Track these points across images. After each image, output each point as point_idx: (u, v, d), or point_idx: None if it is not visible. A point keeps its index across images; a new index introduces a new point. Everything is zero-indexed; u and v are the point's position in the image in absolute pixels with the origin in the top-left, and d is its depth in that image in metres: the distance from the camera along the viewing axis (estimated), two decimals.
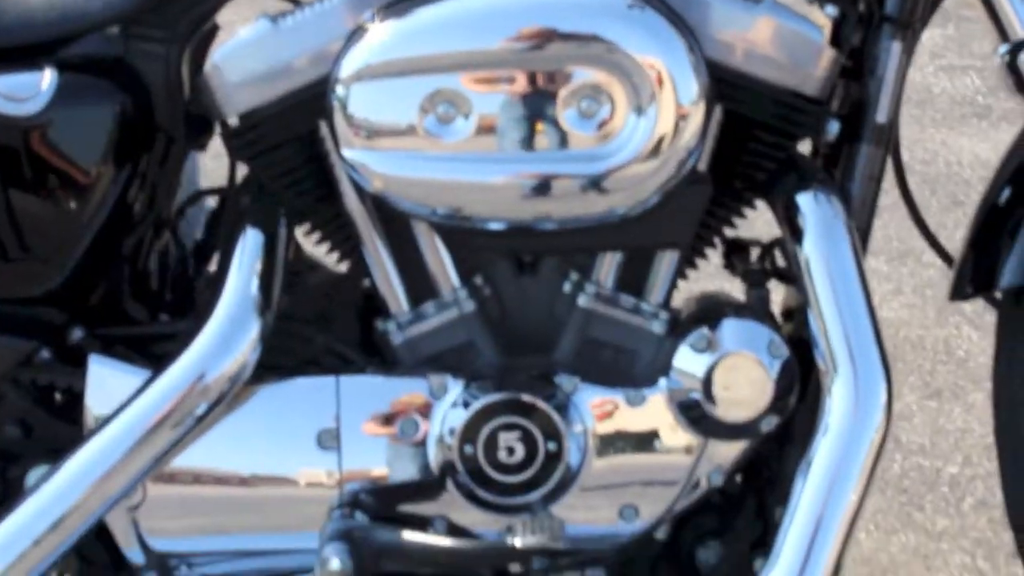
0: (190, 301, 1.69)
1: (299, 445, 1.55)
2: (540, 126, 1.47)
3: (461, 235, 1.56)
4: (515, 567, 1.56)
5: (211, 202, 1.73)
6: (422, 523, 1.54)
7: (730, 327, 1.56)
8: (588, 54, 1.45)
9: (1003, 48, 1.56)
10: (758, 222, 1.71)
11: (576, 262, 1.59)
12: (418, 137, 1.46)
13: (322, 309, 1.65)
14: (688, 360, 1.55)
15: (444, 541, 1.50)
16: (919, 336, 2.83)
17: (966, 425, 2.54)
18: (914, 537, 2.23)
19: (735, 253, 1.70)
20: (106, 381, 1.53)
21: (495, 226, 1.53)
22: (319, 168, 1.55)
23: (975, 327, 2.85)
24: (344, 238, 1.60)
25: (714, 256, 1.68)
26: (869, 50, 1.59)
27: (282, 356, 1.57)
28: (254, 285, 1.52)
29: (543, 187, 1.48)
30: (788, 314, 1.71)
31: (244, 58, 1.51)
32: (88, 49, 1.55)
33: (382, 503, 1.53)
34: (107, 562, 1.58)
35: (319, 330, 1.62)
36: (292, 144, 1.54)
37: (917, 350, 2.77)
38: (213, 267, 1.68)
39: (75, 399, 1.55)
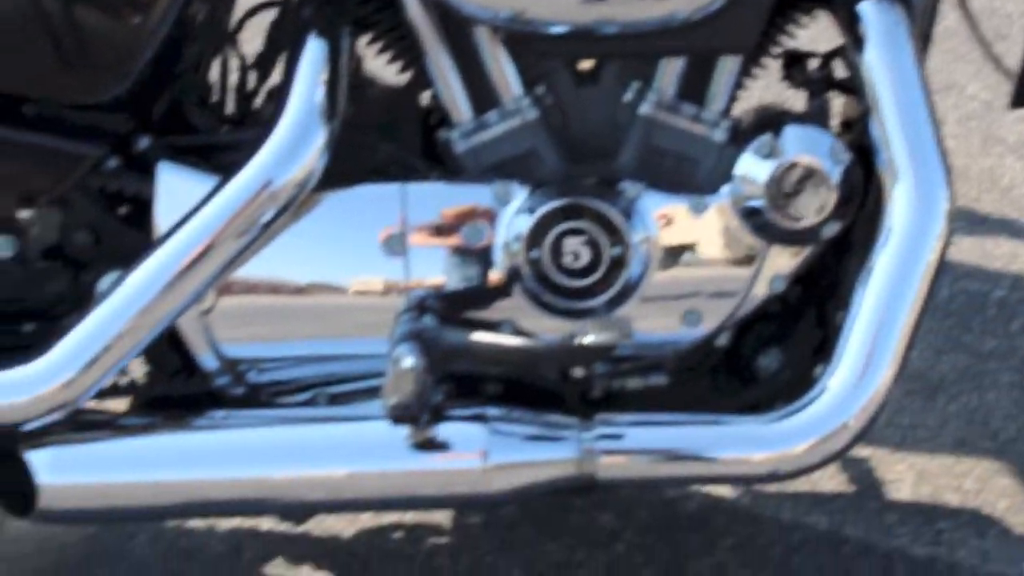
0: (251, 112, 1.68)
1: (366, 251, 1.55)
2: None
3: (524, 41, 1.54)
4: (578, 371, 1.58)
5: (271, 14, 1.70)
6: (488, 327, 1.54)
7: (792, 133, 1.54)
8: None
9: None
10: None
11: (637, 70, 1.57)
12: None
13: (385, 119, 1.64)
14: (751, 166, 1.54)
15: (512, 341, 1.51)
16: (964, 165, 2.81)
17: (1013, 250, 2.53)
18: (964, 357, 2.24)
19: (795, 64, 1.67)
20: (175, 188, 1.53)
21: (557, 30, 1.51)
22: None
23: (1018, 157, 2.83)
24: (406, 48, 1.59)
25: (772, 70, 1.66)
26: None
27: (347, 164, 1.55)
28: (319, 93, 1.51)
29: None
30: (846, 126, 1.70)
31: None
32: None
33: (449, 307, 1.54)
34: (178, 367, 1.59)
35: (383, 139, 1.61)
36: None
37: (962, 179, 2.75)
38: (273, 79, 1.67)
39: (143, 207, 1.55)
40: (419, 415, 1.44)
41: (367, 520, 1.87)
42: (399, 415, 1.43)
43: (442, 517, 1.89)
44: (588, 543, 1.85)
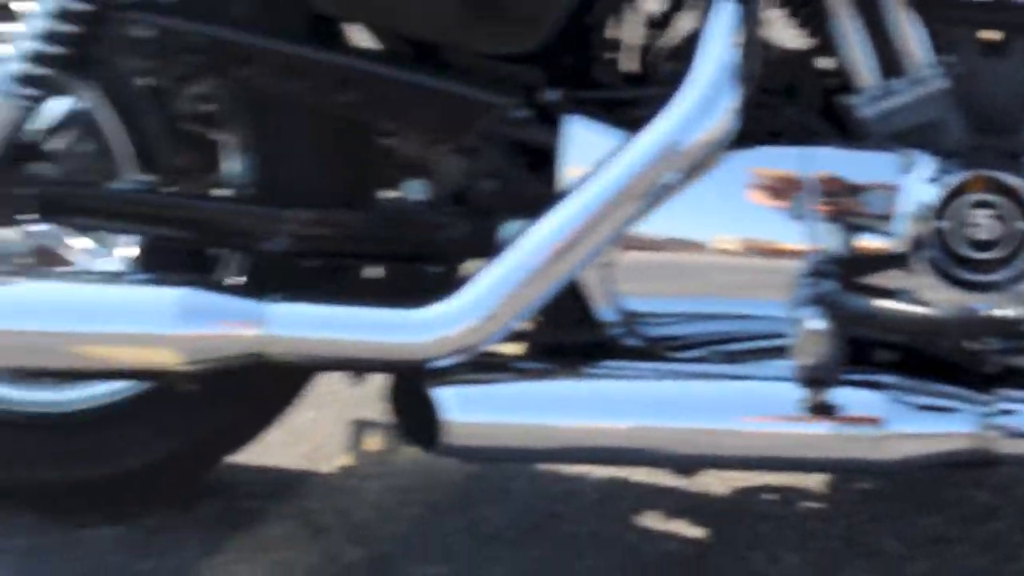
0: (650, 70, 1.69)
1: (766, 214, 1.55)
2: None
3: (934, 8, 1.52)
4: (976, 344, 1.54)
5: None
6: (888, 295, 1.52)
7: None
8: None
9: None
10: None
11: None
12: None
13: (785, 83, 1.63)
14: None
15: (915, 310, 1.49)
16: None
17: None
18: None
19: None
20: (580, 140, 1.56)
21: None
22: None
23: None
24: (812, 13, 1.58)
25: None
26: None
27: (747, 126, 1.55)
28: (733, 55, 1.50)
29: None
30: None
31: None
32: None
33: (850, 273, 1.52)
34: (576, 318, 1.62)
35: (785, 102, 1.60)
36: None
37: None
38: (671, 37, 1.68)
39: (547, 157, 1.58)
40: (828, 377, 1.43)
41: (738, 480, 1.87)
42: (810, 376, 1.42)
43: (813, 483, 1.87)
44: (964, 519, 1.81)
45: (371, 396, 1.82)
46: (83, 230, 1.74)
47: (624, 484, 1.88)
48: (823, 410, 1.48)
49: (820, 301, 1.46)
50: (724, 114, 1.50)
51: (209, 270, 1.72)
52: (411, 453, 1.91)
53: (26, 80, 1.58)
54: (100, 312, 1.59)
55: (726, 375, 1.58)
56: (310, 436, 2.00)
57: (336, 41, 1.65)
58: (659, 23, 1.69)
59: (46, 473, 1.80)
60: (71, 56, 1.58)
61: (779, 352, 1.54)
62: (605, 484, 1.88)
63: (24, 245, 1.76)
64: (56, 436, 1.79)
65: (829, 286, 1.49)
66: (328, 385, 1.82)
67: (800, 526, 1.81)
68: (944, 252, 1.50)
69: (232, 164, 1.68)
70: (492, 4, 1.56)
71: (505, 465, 1.90)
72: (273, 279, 1.64)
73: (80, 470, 1.80)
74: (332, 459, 1.98)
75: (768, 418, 1.53)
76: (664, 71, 1.63)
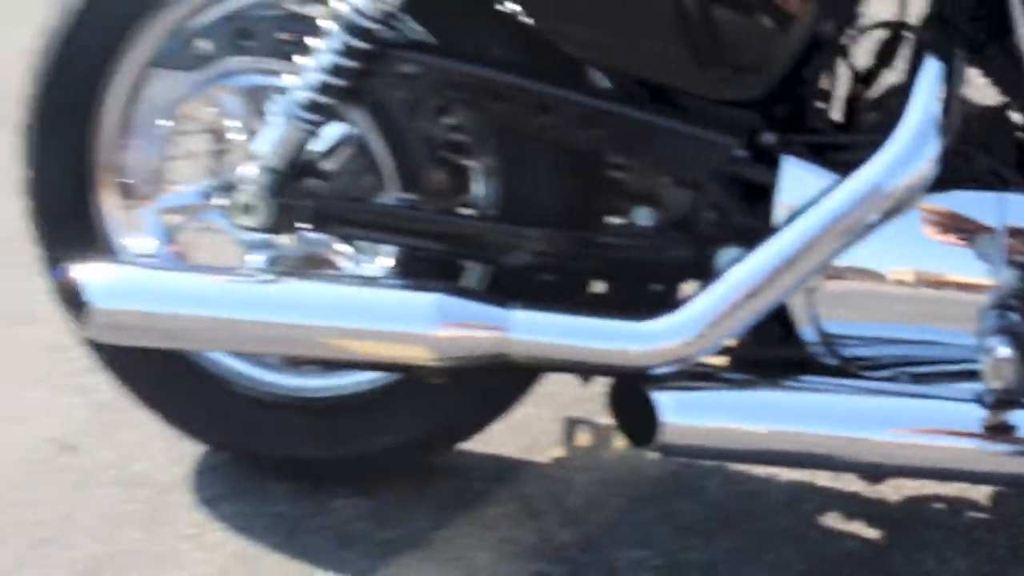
0: (857, 118, 1.86)
1: (959, 252, 1.71)
2: None
3: None
4: None
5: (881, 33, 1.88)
6: None
7: None
8: None
9: None
10: None
11: None
12: None
13: (983, 135, 1.78)
14: None
15: None
16: None
17: None
18: None
19: None
20: (796, 180, 1.73)
21: None
22: (999, 8, 1.68)
23: None
24: (1011, 71, 1.73)
25: None
26: None
27: (947, 173, 1.71)
28: (937, 108, 1.67)
29: None
30: None
31: None
32: None
33: None
34: (780, 337, 1.79)
35: (981, 152, 1.76)
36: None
37: None
38: (875, 90, 1.85)
39: (764, 193, 1.75)
40: (1014, 400, 1.60)
41: (911, 489, 2.02)
42: (1002, 399, 1.59)
43: (980, 495, 2.02)
44: None
45: (584, 397, 2.02)
46: (350, 239, 1.94)
47: (809, 487, 2.04)
48: (1004, 429, 1.65)
49: (1008, 332, 1.62)
50: (927, 162, 1.66)
51: (455, 278, 1.90)
52: (617, 449, 2.11)
53: (310, 107, 1.78)
54: (364, 311, 1.79)
55: (915, 394, 1.73)
56: (530, 430, 2.18)
57: (582, 82, 1.83)
58: (866, 77, 1.87)
59: (306, 451, 2.02)
60: (350, 88, 1.78)
61: (963, 375, 1.71)
62: (792, 486, 2.04)
63: (299, 250, 1.96)
64: (317, 419, 2.00)
65: (1015, 319, 1.65)
66: (547, 385, 2.01)
67: (967, 534, 1.95)
68: None
69: (480, 186, 1.88)
70: (722, 57, 1.74)
71: (701, 464, 2.07)
72: (513, 288, 1.84)
73: (335, 449, 2.01)
74: (548, 451, 2.16)
75: (952, 434, 1.69)
76: (870, 120, 1.81)
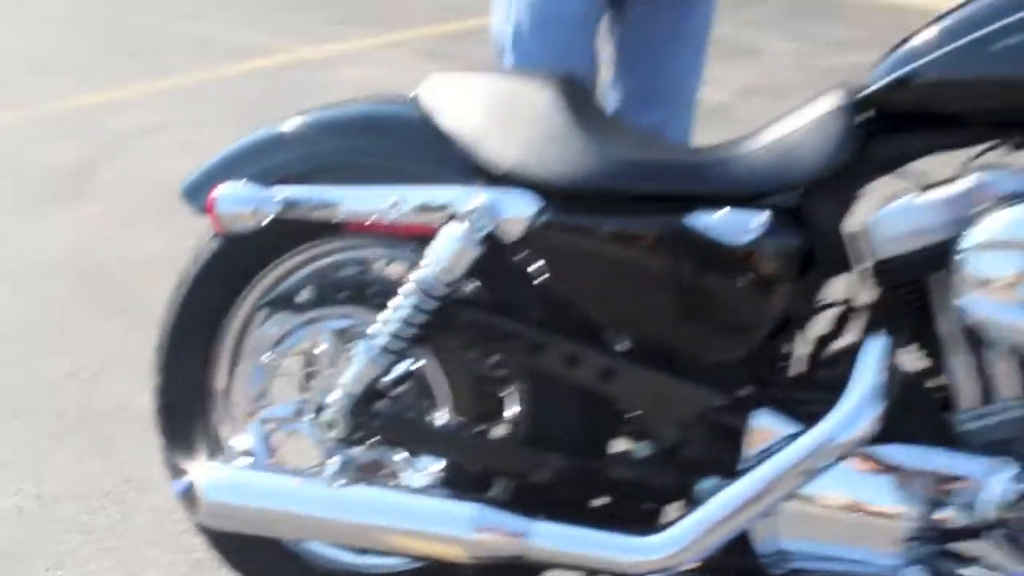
0: (816, 377, 2.23)
1: (884, 487, 2.11)
2: None
3: None
4: None
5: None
6: (973, 561, 2.07)
7: None
8: None
9: None
10: None
11: None
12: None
13: (904, 396, 2.14)
14: None
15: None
16: None
17: None
18: None
19: None
20: (765, 427, 2.14)
21: None
22: (925, 305, 2.09)
23: None
24: (931, 347, 2.12)
25: None
26: None
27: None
28: (879, 377, 2.07)
29: None
30: None
31: (891, 223, 2.07)
32: (785, 200, 2.11)
33: (948, 541, 2.08)
34: (740, 549, 2.17)
35: (902, 411, 2.12)
36: (910, 291, 2.10)
37: None
38: (830, 355, 2.24)
39: (734, 435, 2.16)
40: None
41: None
42: None
43: None
44: None
45: None
46: (408, 450, 2.35)
47: None
48: None
49: (923, 560, 2.02)
50: (870, 421, 2.06)
51: (488, 487, 2.31)
52: None
53: (386, 350, 2.21)
54: (414, 515, 2.21)
55: None
56: None
57: (600, 339, 2.23)
58: (824, 344, 2.24)
59: None
60: (418, 336, 2.21)
61: None
62: None
63: (368, 455, 2.34)
64: None
65: (929, 550, 2.04)
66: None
67: None
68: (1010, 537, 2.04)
69: (514, 414, 2.30)
70: (711, 327, 2.15)
71: None
72: (535, 497, 2.23)
73: None
74: None
75: None
76: (827, 378, 2.18)
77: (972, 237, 1.98)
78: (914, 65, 2.02)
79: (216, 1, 7.82)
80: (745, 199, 2.10)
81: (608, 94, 3.01)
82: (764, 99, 3.42)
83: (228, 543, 2.45)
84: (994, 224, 1.97)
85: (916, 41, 2.05)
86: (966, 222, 2.01)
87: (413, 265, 2.20)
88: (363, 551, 2.42)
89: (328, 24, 7.30)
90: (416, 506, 2.23)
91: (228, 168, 2.30)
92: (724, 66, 3.08)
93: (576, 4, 2.83)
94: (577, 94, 2.25)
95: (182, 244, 2.42)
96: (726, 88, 3.73)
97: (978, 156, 2.06)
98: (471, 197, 2.12)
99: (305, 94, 5.89)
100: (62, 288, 4.12)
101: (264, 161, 2.30)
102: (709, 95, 3.26)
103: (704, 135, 2.81)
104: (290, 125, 2.34)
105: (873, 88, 2.06)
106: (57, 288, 4.13)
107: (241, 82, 6.22)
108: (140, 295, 3.82)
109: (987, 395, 2.10)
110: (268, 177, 2.24)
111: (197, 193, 2.30)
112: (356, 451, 2.31)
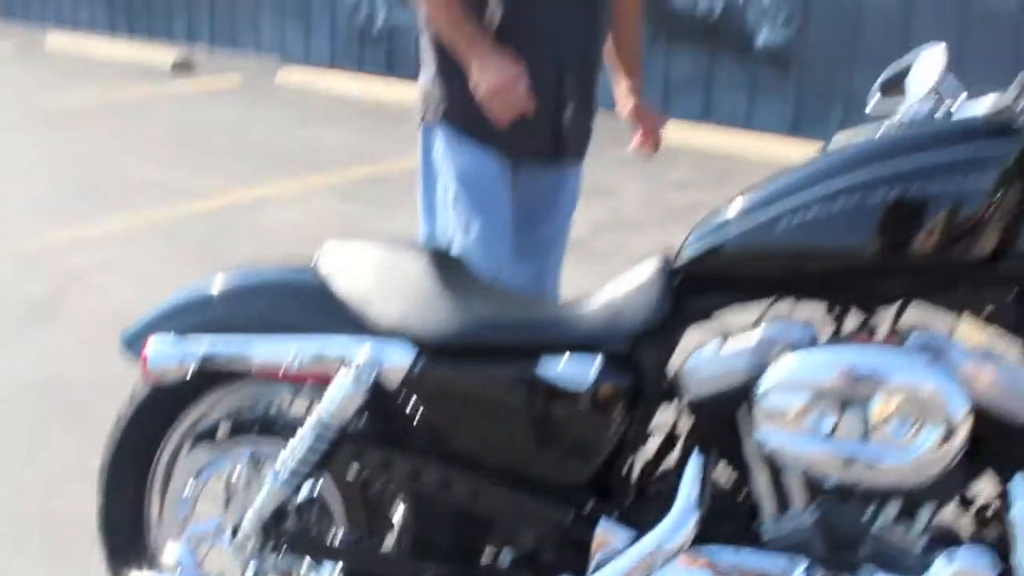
0: (649, 491, 2.39)
1: None
2: None
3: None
4: None
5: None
6: None
7: None
8: None
9: None
10: None
11: None
12: (807, 427, 2.15)
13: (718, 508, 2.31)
14: None
15: None
16: None
17: None
18: None
19: None
20: (609, 533, 2.28)
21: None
22: (734, 432, 2.27)
23: None
24: (740, 466, 2.29)
25: None
26: None
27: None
28: (697, 492, 2.26)
29: None
30: None
31: (703, 366, 2.26)
32: (618, 348, 2.27)
33: None
34: None
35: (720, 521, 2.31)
36: (721, 422, 2.27)
37: None
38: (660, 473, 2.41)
39: (583, 542, 2.30)
40: None
41: None
42: None
43: None
44: None
45: None
46: (312, 560, 2.46)
47: None
48: None
49: None
50: (691, 528, 2.24)
51: None
52: None
53: (292, 475, 2.36)
54: None
55: None
56: None
57: (472, 467, 2.36)
58: (655, 465, 2.41)
59: None
60: (318, 462, 2.36)
61: None
62: None
63: (275, 567, 2.45)
64: None
65: None
66: None
67: None
68: None
69: (399, 527, 2.44)
70: (558, 452, 2.31)
71: None
72: None
73: None
74: None
75: None
76: (658, 492, 2.36)
77: (766, 379, 2.18)
78: (715, 239, 2.27)
79: (170, 149, 7.97)
80: (585, 347, 2.30)
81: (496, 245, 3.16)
82: (615, 233, 3.55)
83: None
84: (781, 368, 2.16)
85: (718, 218, 2.29)
86: (761, 366, 2.22)
87: (313, 404, 2.35)
88: None
89: (262, 168, 7.50)
90: None
91: (160, 322, 2.48)
92: (581, 203, 3.21)
93: (493, 167, 2.97)
94: (447, 262, 2.43)
95: (133, 366, 2.55)
96: (583, 224, 3.88)
97: (768, 309, 2.22)
98: (359, 349, 2.29)
99: (239, 233, 6.20)
100: (29, 405, 4.22)
101: (190, 317, 2.50)
102: None
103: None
104: (214, 285, 2.55)
105: (684, 258, 2.23)
106: (25, 404, 4.22)
107: (187, 222, 6.38)
108: (98, 411, 3.86)
109: (783, 506, 2.29)
110: (193, 331, 2.36)
111: (134, 343, 2.51)
112: (269, 562, 2.44)
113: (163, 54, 11.25)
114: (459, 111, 2.94)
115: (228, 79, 10.48)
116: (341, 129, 8.66)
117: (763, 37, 8.74)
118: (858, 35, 8.31)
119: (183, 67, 10.99)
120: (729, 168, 7.40)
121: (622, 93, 3.24)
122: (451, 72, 2.91)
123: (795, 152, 7.97)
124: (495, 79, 2.73)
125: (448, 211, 2.98)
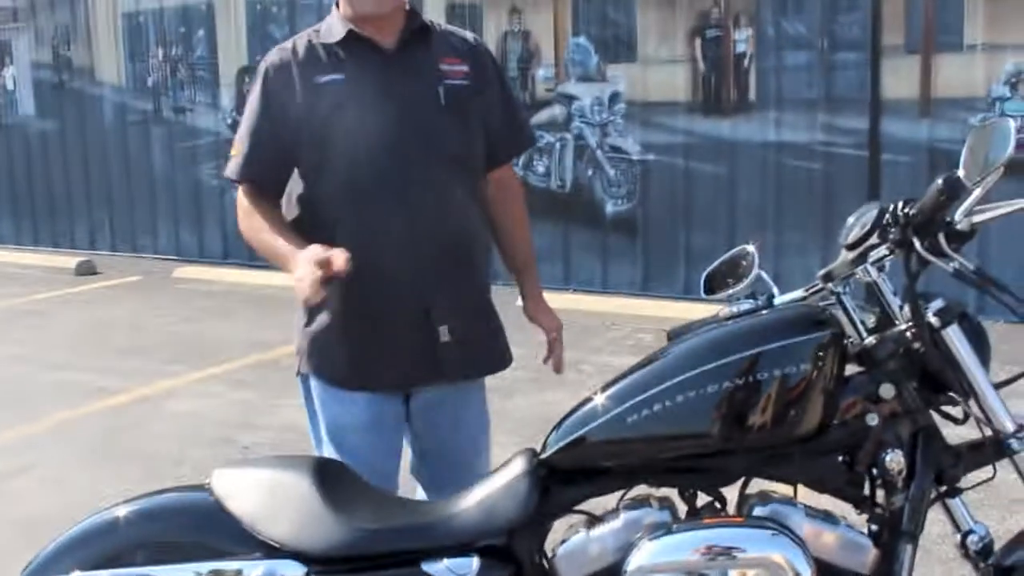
0: None
1: None
2: None
3: None
4: None
5: None
6: None
7: None
8: None
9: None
10: None
11: None
12: None
13: None
14: None
15: None
16: None
17: None
18: None
19: None
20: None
21: None
22: None
23: None
24: None
25: None
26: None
27: None
28: None
29: None
30: None
31: (576, 552, 2.24)
32: (495, 542, 2.24)
33: None
34: None
35: None
36: None
37: None
38: None
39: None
40: None
41: None
42: None
43: None
44: None
45: None
46: None
47: None
48: None
49: None
50: None
51: None
52: None
53: None
54: None
55: None
56: None
57: None
58: None
59: None
60: None
61: None
62: None
63: None
64: None
65: None
66: None
67: None
68: None
69: None
70: None
71: None
72: None
73: None
74: None
75: None
76: None
77: (631, 562, 2.14)
78: (576, 432, 2.24)
79: (75, 350, 7.77)
80: (464, 546, 2.25)
81: (416, 480, 3.00)
82: (494, 399, 3.47)
83: None
84: (643, 552, 2.16)
85: (579, 413, 2.30)
86: (628, 546, 2.18)
87: None
88: None
89: (162, 363, 7.39)
90: None
91: (60, 557, 2.32)
92: None
93: (365, 413, 2.78)
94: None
95: None
96: None
97: (627, 493, 2.22)
98: (252, 569, 2.19)
99: (145, 427, 6.02)
100: None
101: (90, 549, 2.37)
102: None
103: None
104: (112, 514, 2.43)
105: (547, 453, 2.24)
106: None
107: (94, 420, 6.21)
108: None
109: None
110: (94, 564, 2.25)
111: None
112: None
113: (67, 260, 11.13)
114: (325, 364, 2.78)
115: (128, 279, 10.39)
116: (234, 320, 8.65)
117: (610, 208, 9.00)
118: (690, 200, 8.61)
119: (86, 270, 10.87)
120: (589, 326, 7.54)
121: (522, 294, 3.06)
122: (313, 325, 2.77)
123: (646, 307, 8.17)
124: (295, 277, 2.47)
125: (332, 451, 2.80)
